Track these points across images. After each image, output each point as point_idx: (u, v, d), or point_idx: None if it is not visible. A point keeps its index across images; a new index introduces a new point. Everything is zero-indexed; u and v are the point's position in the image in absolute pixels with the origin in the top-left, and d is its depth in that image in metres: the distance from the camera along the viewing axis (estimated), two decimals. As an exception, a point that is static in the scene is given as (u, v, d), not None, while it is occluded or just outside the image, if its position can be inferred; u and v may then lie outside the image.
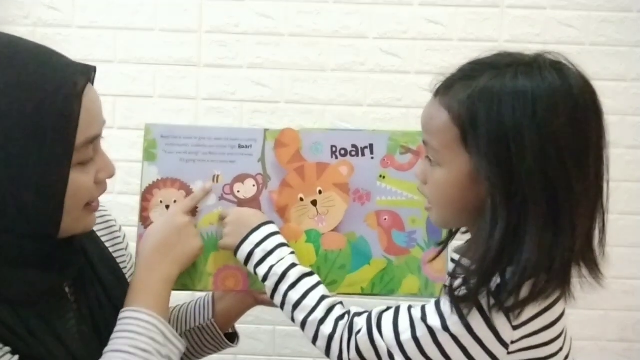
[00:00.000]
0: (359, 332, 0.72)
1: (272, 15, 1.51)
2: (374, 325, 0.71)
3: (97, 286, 0.79)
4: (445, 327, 0.65)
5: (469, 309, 0.64)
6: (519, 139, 0.61)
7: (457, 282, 0.66)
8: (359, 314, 0.74)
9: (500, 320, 0.63)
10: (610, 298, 1.52)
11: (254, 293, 0.94)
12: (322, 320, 0.75)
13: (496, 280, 0.64)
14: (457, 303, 0.64)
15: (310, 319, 0.76)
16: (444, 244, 0.83)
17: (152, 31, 1.51)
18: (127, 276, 0.87)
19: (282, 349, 1.53)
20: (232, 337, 1.00)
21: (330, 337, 0.74)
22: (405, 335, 0.68)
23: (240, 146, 0.91)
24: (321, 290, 0.78)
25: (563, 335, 0.68)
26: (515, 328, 0.63)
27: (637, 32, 1.49)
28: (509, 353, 0.64)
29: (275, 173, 0.91)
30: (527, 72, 0.64)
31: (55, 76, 0.66)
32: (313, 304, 0.76)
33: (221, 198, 0.90)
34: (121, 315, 0.75)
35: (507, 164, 0.62)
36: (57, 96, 0.65)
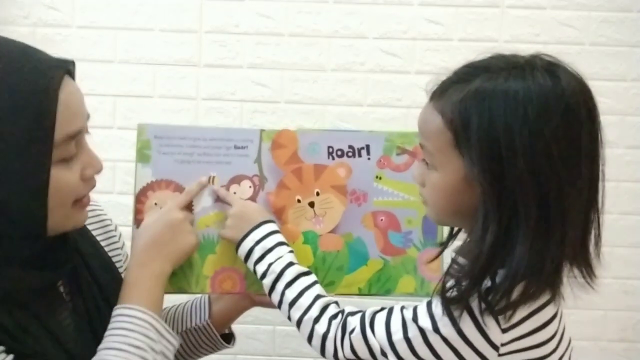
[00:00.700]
0: (352, 331, 0.72)
1: (272, 15, 1.51)
2: (367, 325, 0.71)
3: (93, 285, 0.78)
4: (435, 329, 0.65)
5: (459, 312, 0.64)
6: (509, 142, 0.61)
7: (449, 283, 0.66)
8: (352, 314, 0.75)
9: (489, 324, 0.64)
10: (610, 298, 1.52)
11: (251, 295, 0.94)
12: (316, 320, 0.75)
13: (487, 283, 0.64)
14: (448, 305, 0.65)
15: (305, 317, 0.76)
16: (444, 245, 0.83)
17: (152, 31, 1.51)
18: (122, 275, 0.87)
19: (281, 349, 1.53)
20: (229, 338, 1.00)
21: (325, 336, 0.75)
22: (397, 335, 0.68)
23: (236, 147, 0.90)
24: (316, 289, 0.79)
25: (557, 337, 0.68)
26: (504, 331, 0.64)
27: (637, 32, 1.49)
28: (499, 355, 0.64)
29: (272, 174, 0.90)
30: (519, 75, 0.63)
31: (30, 72, 0.64)
32: (308, 302, 0.77)
33: (217, 200, 0.90)
34: (114, 312, 0.75)
35: (498, 166, 0.62)
36: (33, 92, 0.63)
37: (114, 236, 0.92)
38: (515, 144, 0.61)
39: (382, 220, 0.91)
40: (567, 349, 0.70)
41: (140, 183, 0.89)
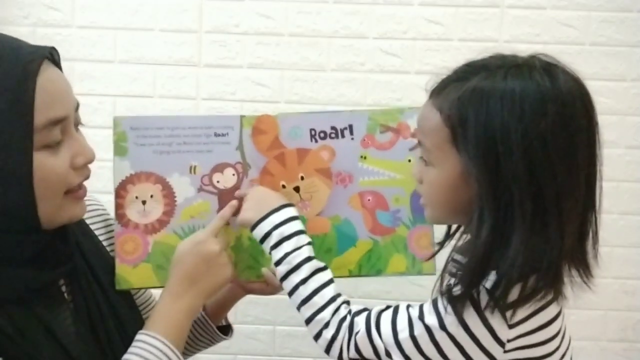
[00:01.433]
0: (358, 332, 0.72)
1: (272, 15, 1.51)
2: (372, 324, 0.72)
3: (94, 284, 0.78)
4: (442, 326, 0.66)
5: (463, 308, 0.64)
6: (506, 140, 0.62)
7: (452, 281, 0.66)
8: (358, 313, 0.75)
9: (496, 320, 0.64)
10: (610, 298, 1.52)
11: (241, 282, 0.93)
12: (327, 324, 0.75)
13: (492, 279, 0.64)
14: (454, 302, 0.65)
15: (316, 318, 0.76)
16: (441, 244, 0.83)
17: (152, 31, 1.51)
18: None
19: (282, 349, 1.53)
20: (226, 330, 1.00)
21: (333, 339, 0.74)
22: (403, 334, 0.68)
23: (216, 134, 0.88)
24: (332, 289, 0.78)
25: (560, 336, 0.68)
26: (511, 327, 0.64)
27: (637, 32, 1.49)
28: (505, 351, 0.65)
29: (255, 161, 0.89)
30: (517, 74, 0.64)
31: (7, 58, 0.64)
32: (322, 302, 0.76)
33: (200, 189, 0.88)
34: (137, 337, 0.75)
35: (494, 164, 0.62)
36: (10, 77, 0.63)
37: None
38: (511, 140, 0.61)
39: (369, 200, 0.90)
40: (567, 348, 0.71)
41: (119, 177, 0.87)
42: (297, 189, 0.90)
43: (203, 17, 1.51)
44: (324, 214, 0.90)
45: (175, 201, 0.88)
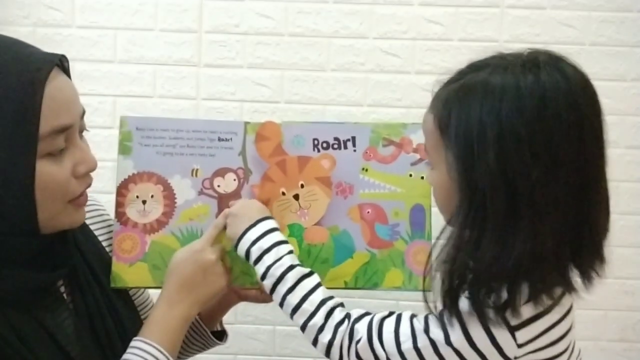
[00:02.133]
0: (359, 340, 0.71)
1: (272, 15, 1.51)
2: (374, 333, 0.70)
3: (93, 284, 0.78)
4: (448, 342, 0.65)
5: (468, 322, 0.64)
6: (482, 137, 0.61)
7: (461, 292, 0.65)
8: (359, 319, 0.73)
9: (503, 337, 0.63)
10: (610, 298, 1.52)
11: (236, 289, 0.92)
12: (321, 328, 0.74)
13: (502, 295, 0.63)
14: (460, 315, 0.64)
15: (309, 324, 0.75)
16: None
17: (152, 31, 1.51)
18: None
19: (282, 349, 1.53)
20: (221, 335, 0.99)
21: (330, 344, 0.73)
22: (407, 344, 0.67)
23: (219, 139, 0.89)
24: (320, 293, 0.77)
25: (569, 350, 0.67)
26: (520, 346, 0.63)
27: (637, 32, 1.49)
28: (515, 358, 0.64)
29: (257, 167, 0.89)
30: (501, 71, 0.63)
31: (17, 65, 0.64)
32: (312, 309, 0.75)
33: (200, 193, 0.89)
34: (132, 343, 0.75)
35: (469, 162, 0.62)
36: (18, 84, 0.63)
37: None
38: (487, 137, 0.61)
39: (368, 212, 0.90)
40: (572, 350, 0.70)
41: (122, 175, 0.88)
42: (296, 197, 0.90)
43: (203, 17, 1.51)
44: (323, 224, 0.90)
45: (175, 203, 0.88)
